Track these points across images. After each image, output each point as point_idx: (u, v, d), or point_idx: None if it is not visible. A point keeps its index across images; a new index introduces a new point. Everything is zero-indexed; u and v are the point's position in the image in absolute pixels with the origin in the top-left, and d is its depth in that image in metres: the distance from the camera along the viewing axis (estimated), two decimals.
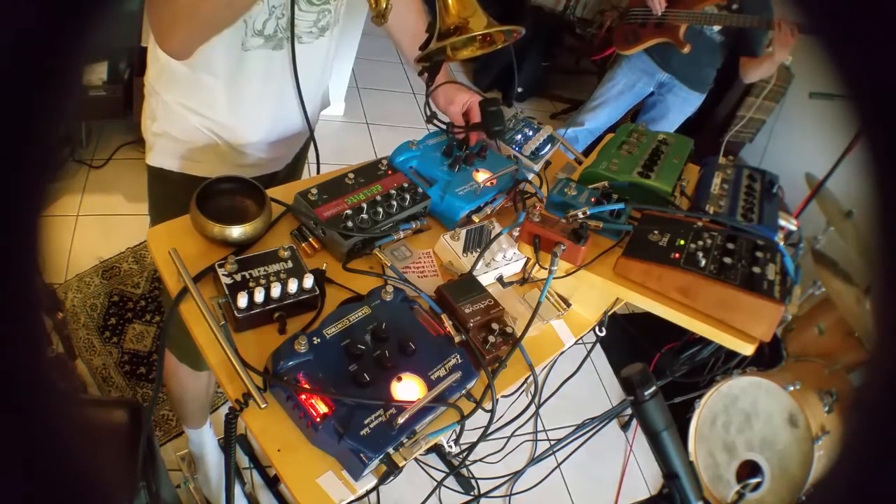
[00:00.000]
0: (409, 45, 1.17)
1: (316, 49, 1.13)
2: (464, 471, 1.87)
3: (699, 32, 2.47)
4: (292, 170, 1.38)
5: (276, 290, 0.87)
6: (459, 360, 0.88)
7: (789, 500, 1.87)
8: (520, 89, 3.90)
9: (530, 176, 1.29)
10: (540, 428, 2.27)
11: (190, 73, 1.07)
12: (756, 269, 0.92)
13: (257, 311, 0.86)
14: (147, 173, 1.24)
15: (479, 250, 1.09)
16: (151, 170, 1.22)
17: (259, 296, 0.86)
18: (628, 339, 2.63)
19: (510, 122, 1.41)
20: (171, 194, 1.21)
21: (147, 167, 1.22)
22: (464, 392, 0.88)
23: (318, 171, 1.25)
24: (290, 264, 0.92)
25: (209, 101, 1.10)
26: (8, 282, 0.18)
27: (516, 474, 1.56)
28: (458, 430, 0.89)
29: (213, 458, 1.67)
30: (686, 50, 2.47)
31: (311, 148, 1.30)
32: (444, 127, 1.22)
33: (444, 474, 1.86)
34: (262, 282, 0.88)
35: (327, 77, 1.27)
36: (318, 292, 0.92)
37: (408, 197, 1.09)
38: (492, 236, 1.12)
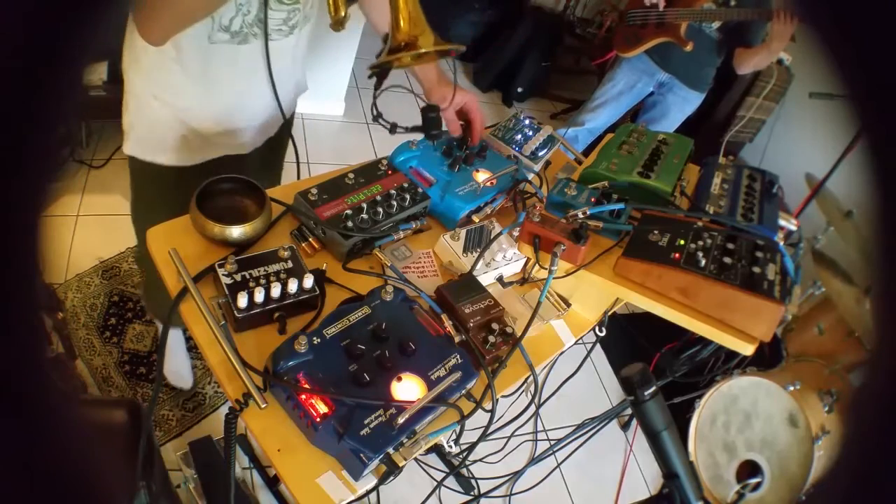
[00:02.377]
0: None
1: (285, 45, 1.17)
2: (464, 471, 1.87)
3: (698, 30, 2.47)
4: (268, 159, 1.43)
5: (276, 290, 0.87)
6: (459, 360, 0.88)
7: (789, 500, 1.87)
8: (520, 89, 3.90)
9: (530, 176, 1.29)
10: (540, 428, 2.27)
11: (159, 62, 1.11)
12: (756, 269, 0.92)
13: (257, 311, 0.86)
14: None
15: (479, 250, 1.09)
16: (129, 160, 1.28)
17: (259, 296, 0.86)
18: (628, 339, 2.63)
19: (510, 122, 1.41)
20: (145, 184, 1.30)
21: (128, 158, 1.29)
22: (464, 392, 0.88)
23: (296, 159, 1.29)
24: (290, 264, 0.92)
25: (177, 89, 1.15)
26: (8, 282, 0.18)
27: (516, 474, 1.56)
28: (458, 430, 0.89)
29: (179, 355, 1.91)
30: (689, 48, 2.47)
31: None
32: (387, 126, 1.22)
33: (444, 474, 1.86)
34: (262, 282, 0.88)
35: (299, 69, 1.31)
36: (318, 292, 0.92)
37: (408, 197, 1.09)
38: (492, 236, 1.12)
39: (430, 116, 1.15)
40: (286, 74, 1.24)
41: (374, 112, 1.12)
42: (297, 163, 1.30)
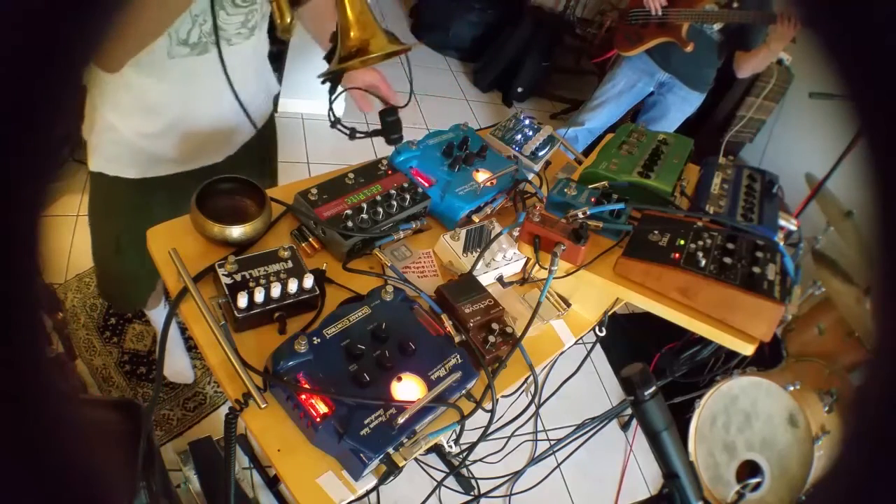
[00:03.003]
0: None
1: (247, 48, 1.15)
2: (464, 471, 1.87)
3: (699, 31, 2.48)
4: (258, 162, 1.40)
5: (276, 290, 0.87)
6: (459, 360, 0.88)
7: (789, 500, 1.87)
8: (520, 89, 3.90)
9: (530, 176, 1.29)
10: (540, 428, 2.27)
11: (120, 80, 1.08)
12: (756, 269, 0.92)
13: (257, 311, 0.86)
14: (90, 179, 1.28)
15: (479, 250, 1.09)
16: (91, 175, 1.25)
17: (259, 296, 0.86)
18: (628, 339, 2.63)
19: (510, 122, 1.41)
20: (104, 198, 1.29)
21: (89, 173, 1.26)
22: (464, 392, 0.88)
23: (276, 160, 1.29)
24: (290, 264, 0.92)
25: (137, 105, 1.12)
26: (8, 282, 0.18)
27: (516, 474, 1.56)
28: (458, 430, 0.89)
29: (178, 354, 1.95)
30: (689, 48, 2.47)
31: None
32: (346, 132, 1.20)
33: (444, 474, 1.86)
34: (262, 282, 0.88)
35: (267, 69, 1.30)
36: (318, 292, 0.92)
37: (408, 197, 1.09)
38: (492, 236, 1.12)
39: (388, 120, 1.14)
40: (253, 77, 1.21)
41: (332, 118, 1.12)
42: (283, 163, 1.28)
